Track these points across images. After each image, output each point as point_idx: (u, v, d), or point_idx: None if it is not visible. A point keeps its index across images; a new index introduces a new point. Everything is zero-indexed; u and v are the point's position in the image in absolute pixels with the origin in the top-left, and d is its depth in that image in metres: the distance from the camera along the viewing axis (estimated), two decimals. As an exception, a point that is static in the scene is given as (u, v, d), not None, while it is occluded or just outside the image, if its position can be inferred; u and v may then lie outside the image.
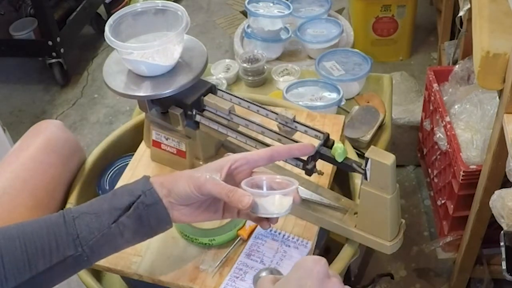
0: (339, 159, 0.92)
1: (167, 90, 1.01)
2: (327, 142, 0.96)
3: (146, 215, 0.78)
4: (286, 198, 0.81)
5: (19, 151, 1.08)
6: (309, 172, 0.96)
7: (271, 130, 1.00)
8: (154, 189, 0.79)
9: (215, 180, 0.79)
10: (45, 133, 1.10)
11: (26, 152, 1.06)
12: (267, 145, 1.00)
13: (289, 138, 0.98)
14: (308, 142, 0.89)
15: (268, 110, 1.02)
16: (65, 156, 1.11)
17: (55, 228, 0.76)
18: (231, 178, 0.82)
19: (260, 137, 1.02)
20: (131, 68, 1.04)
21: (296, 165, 0.97)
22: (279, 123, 1.01)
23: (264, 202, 0.80)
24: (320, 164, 0.98)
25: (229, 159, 0.82)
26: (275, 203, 0.80)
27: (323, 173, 0.98)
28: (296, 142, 0.97)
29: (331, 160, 0.93)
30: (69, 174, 1.13)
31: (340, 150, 0.91)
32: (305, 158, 0.95)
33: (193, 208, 0.82)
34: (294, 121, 1.00)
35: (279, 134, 0.99)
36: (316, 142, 0.96)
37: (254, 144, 1.02)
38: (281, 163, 1.09)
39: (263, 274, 0.79)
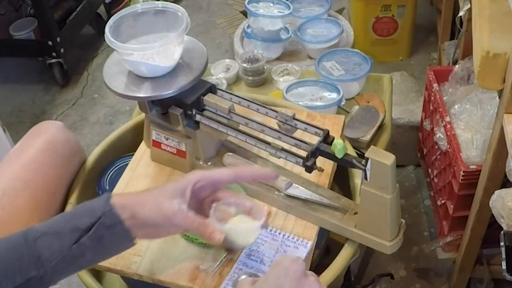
0: (339, 155, 0.92)
1: (168, 91, 1.01)
2: (327, 139, 0.96)
3: (107, 236, 0.78)
4: (254, 232, 0.85)
5: (19, 152, 1.08)
6: (309, 169, 0.96)
7: (271, 128, 1.00)
8: (114, 210, 0.78)
9: (184, 212, 0.81)
10: (46, 134, 1.10)
11: (26, 153, 1.06)
12: (268, 143, 1.00)
13: (289, 136, 0.99)
14: (272, 171, 0.91)
15: (268, 109, 1.03)
16: (65, 157, 1.11)
17: (17, 250, 0.75)
18: (194, 196, 0.84)
19: (261, 136, 1.02)
20: (131, 69, 1.04)
21: (296, 162, 0.98)
22: (279, 121, 1.02)
23: (230, 236, 0.83)
24: (321, 163, 0.98)
25: (191, 179, 0.83)
26: (242, 236, 0.84)
27: (323, 169, 0.99)
28: (296, 140, 0.97)
29: (331, 156, 0.94)
30: (70, 175, 1.13)
31: (340, 146, 0.91)
32: (304, 155, 0.95)
33: (159, 227, 0.82)
34: (294, 118, 1.00)
35: (279, 132, 0.99)
36: (316, 139, 0.96)
37: (254, 143, 1.02)
38: (281, 163, 1.09)
39: (243, 277, 0.81)
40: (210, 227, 0.82)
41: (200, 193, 0.85)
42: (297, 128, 1.00)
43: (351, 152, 1.12)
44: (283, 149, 0.99)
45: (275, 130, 1.00)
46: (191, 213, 0.82)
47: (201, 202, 0.87)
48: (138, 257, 0.99)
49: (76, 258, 0.77)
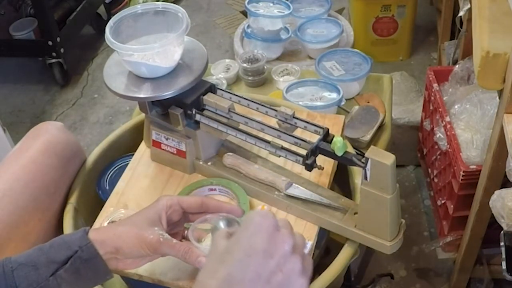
0: (339, 153, 0.92)
1: (168, 92, 1.01)
2: (327, 137, 0.96)
3: (83, 269, 0.79)
4: None
5: (19, 153, 1.08)
6: (309, 167, 0.96)
7: (271, 127, 1.00)
8: (91, 244, 0.80)
9: (169, 241, 0.83)
10: (46, 135, 1.10)
11: (26, 154, 1.06)
12: (267, 142, 1.00)
13: (289, 135, 0.99)
14: (238, 207, 0.93)
15: (268, 107, 1.03)
16: (65, 158, 1.11)
17: None
18: (167, 221, 0.87)
19: (261, 135, 1.02)
20: (132, 70, 1.04)
21: (296, 161, 0.98)
22: (279, 119, 1.02)
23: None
24: (320, 163, 0.98)
25: (163, 206, 0.86)
26: None
27: (323, 168, 0.99)
28: (296, 138, 0.98)
29: (331, 154, 0.94)
30: (70, 176, 1.13)
31: (340, 143, 0.91)
32: (304, 153, 0.95)
33: (141, 258, 0.85)
34: (294, 117, 1.00)
35: (279, 131, 1.00)
36: (316, 137, 0.96)
37: (254, 141, 1.02)
38: (281, 162, 1.10)
39: (221, 224, 0.82)
40: (195, 252, 0.84)
41: (172, 218, 0.88)
42: (297, 127, 1.01)
43: (351, 150, 1.13)
44: (283, 148, 0.99)
45: (274, 128, 1.00)
46: (175, 241, 0.84)
47: (172, 226, 0.89)
48: (138, 257, 0.99)
49: None
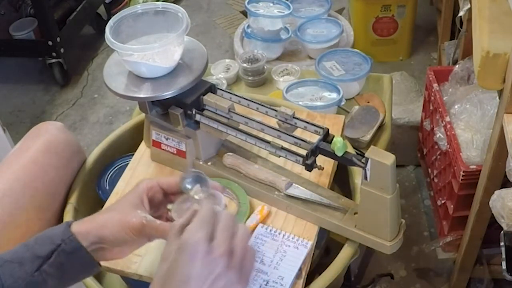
0: (339, 153, 0.92)
1: (168, 92, 1.01)
2: (327, 137, 0.96)
3: (68, 262, 0.79)
4: None
5: (19, 153, 1.07)
6: (309, 168, 0.96)
7: (271, 127, 1.00)
8: (74, 237, 0.79)
9: (152, 222, 0.81)
10: (46, 135, 1.10)
11: (26, 154, 1.06)
12: (267, 142, 1.00)
13: (289, 135, 0.99)
14: (218, 183, 0.91)
15: (268, 108, 1.03)
16: (65, 158, 1.11)
17: None
18: (150, 204, 0.86)
19: (261, 135, 1.02)
20: (132, 70, 1.04)
21: (296, 161, 0.98)
22: (279, 120, 1.02)
23: None
24: (320, 163, 0.98)
25: (144, 188, 0.85)
26: None
27: (323, 168, 0.99)
28: (296, 139, 0.98)
29: (331, 154, 0.94)
30: (70, 176, 1.13)
31: (340, 144, 0.91)
32: (304, 153, 0.95)
33: (127, 244, 0.83)
34: (294, 117, 1.00)
35: (279, 131, 1.00)
36: (316, 137, 0.96)
37: (254, 142, 1.02)
38: (281, 162, 1.10)
39: (188, 186, 0.84)
40: (164, 225, 0.83)
41: (154, 200, 0.86)
42: (297, 127, 1.01)
43: (351, 151, 1.13)
44: (283, 148, 0.99)
45: (274, 129, 1.00)
46: (159, 222, 0.82)
47: (155, 208, 0.88)
48: (138, 257, 0.99)
49: (39, 285, 0.77)
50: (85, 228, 0.80)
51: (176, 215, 0.85)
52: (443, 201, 1.56)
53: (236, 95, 1.06)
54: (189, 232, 0.70)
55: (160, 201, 0.88)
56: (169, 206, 0.90)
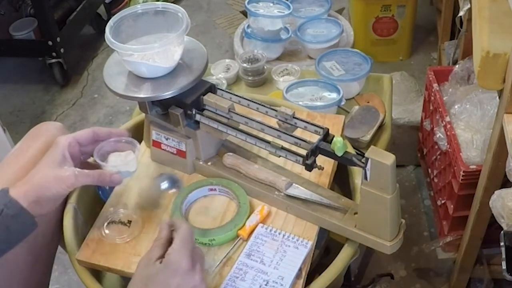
0: (339, 153, 0.92)
1: (168, 92, 1.01)
2: (327, 137, 0.96)
3: (13, 224, 0.87)
4: (134, 160, 1.01)
5: (19, 153, 1.08)
6: (309, 167, 0.96)
7: (271, 127, 1.00)
8: (14, 200, 0.87)
9: (83, 172, 0.94)
10: (46, 135, 1.10)
11: (26, 154, 1.06)
12: (268, 142, 1.01)
13: (289, 135, 0.99)
14: (125, 131, 1.05)
15: (268, 108, 1.03)
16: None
17: None
18: (73, 158, 0.97)
19: (261, 135, 1.02)
20: (132, 70, 1.04)
21: (296, 161, 0.98)
22: (279, 119, 1.02)
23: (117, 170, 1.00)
24: (320, 163, 0.98)
25: (64, 145, 0.95)
26: (127, 166, 1.00)
27: (323, 168, 0.99)
28: (296, 138, 0.98)
29: (331, 154, 0.94)
30: None
31: (340, 144, 0.91)
32: (304, 153, 0.95)
33: (58, 198, 0.95)
34: (294, 117, 1.00)
35: (279, 131, 1.00)
36: (316, 137, 0.96)
37: (254, 142, 1.02)
38: (281, 162, 1.10)
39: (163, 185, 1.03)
40: (108, 173, 0.97)
41: (74, 154, 0.97)
42: (297, 127, 1.01)
43: (351, 150, 1.13)
44: (283, 148, 0.99)
45: (274, 129, 1.00)
46: (87, 171, 0.95)
47: (74, 161, 0.98)
48: (138, 257, 0.98)
49: None
50: (23, 190, 0.89)
51: (100, 160, 0.99)
52: (443, 201, 1.56)
53: (236, 95, 1.06)
54: (175, 253, 0.83)
55: (77, 154, 0.99)
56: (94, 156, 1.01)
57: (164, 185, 1.08)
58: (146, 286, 0.82)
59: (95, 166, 1.01)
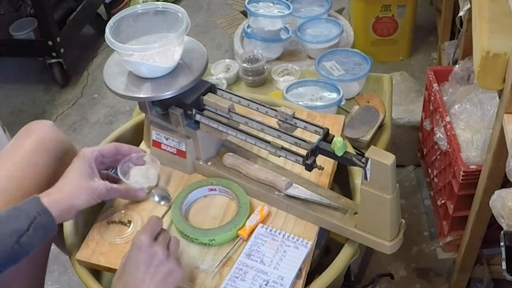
0: (339, 153, 0.92)
1: (168, 92, 1.01)
2: (327, 137, 0.96)
3: (43, 232, 0.91)
4: (155, 175, 1.09)
5: (11, 151, 1.07)
6: (309, 167, 0.96)
7: (271, 127, 1.00)
8: (47, 209, 0.92)
9: (113, 186, 1.02)
10: (37, 133, 1.09)
11: (19, 152, 1.06)
12: (268, 142, 1.01)
13: (289, 135, 0.99)
14: (140, 149, 1.11)
15: (268, 108, 1.03)
16: (57, 156, 1.10)
17: None
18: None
19: (261, 135, 1.02)
20: (132, 70, 1.04)
21: (296, 161, 0.98)
22: (279, 120, 1.02)
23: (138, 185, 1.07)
24: (320, 163, 0.98)
25: (91, 158, 1.01)
26: (148, 181, 1.08)
27: (323, 168, 0.99)
28: (296, 138, 0.98)
29: (331, 154, 0.94)
30: (62, 174, 1.13)
31: (340, 144, 0.91)
32: (304, 153, 0.95)
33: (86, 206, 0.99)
34: (294, 117, 1.00)
35: (279, 131, 1.00)
36: (316, 137, 0.96)
37: (254, 142, 1.02)
38: (281, 162, 1.10)
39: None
40: (132, 189, 1.05)
41: (99, 167, 1.03)
42: (297, 127, 1.01)
43: (351, 150, 1.13)
44: (283, 148, 0.99)
45: (274, 129, 1.00)
46: (115, 185, 1.02)
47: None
48: (138, 257, 0.99)
49: (19, 255, 0.89)
50: (56, 199, 0.94)
51: (122, 175, 1.06)
52: (443, 201, 1.56)
53: (236, 95, 1.06)
54: (137, 234, 0.90)
55: (100, 167, 1.04)
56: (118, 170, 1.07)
57: (155, 199, 1.10)
58: (124, 270, 0.89)
59: (112, 177, 1.08)
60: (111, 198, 1.05)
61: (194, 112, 1.05)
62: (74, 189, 0.96)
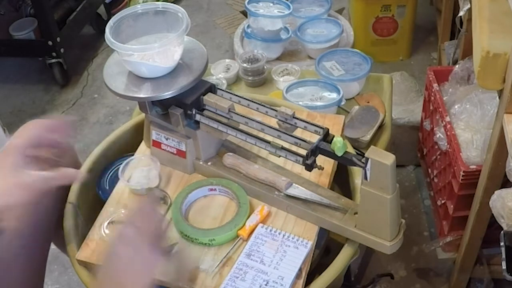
0: (339, 153, 0.92)
1: (168, 92, 1.01)
2: (327, 137, 0.96)
3: None
4: (156, 175, 1.10)
5: None
6: (309, 167, 0.96)
7: (271, 127, 1.00)
8: None
9: (49, 175, 0.89)
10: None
11: None
12: (267, 142, 1.00)
13: (289, 135, 0.99)
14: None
15: (268, 108, 1.03)
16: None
17: None
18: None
19: (261, 135, 1.02)
20: (132, 70, 1.04)
21: (296, 161, 0.98)
22: (279, 120, 1.02)
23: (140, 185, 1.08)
24: (320, 163, 0.98)
25: (20, 148, 0.91)
26: (148, 182, 1.08)
27: (323, 168, 0.99)
28: (296, 138, 0.97)
29: (331, 154, 0.94)
30: None
31: (340, 144, 0.91)
32: (304, 153, 0.95)
33: (28, 204, 0.88)
34: (294, 117, 1.00)
35: (279, 131, 1.00)
36: (316, 137, 0.96)
37: (254, 142, 1.02)
38: (281, 162, 1.10)
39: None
40: (63, 171, 0.91)
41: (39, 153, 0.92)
42: (297, 127, 1.01)
43: (351, 150, 1.13)
44: (283, 148, 0.99)
45: (274, 129, 1.00)
46: (44, 173, 0.89)
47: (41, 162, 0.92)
48: (138, 257, 0.99)
49: None
50: None
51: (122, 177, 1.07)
52: (443, 201, 1.56)
53: (236, 95, 1.06)
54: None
55: (46, 149, 0.95)
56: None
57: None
58: (109, 259, 0.84)
59: (53, 161, 0.97)
60: (52, 186, 0.91)
61: (194, 112, 1.05)
62: (3, 189, 0.86)
